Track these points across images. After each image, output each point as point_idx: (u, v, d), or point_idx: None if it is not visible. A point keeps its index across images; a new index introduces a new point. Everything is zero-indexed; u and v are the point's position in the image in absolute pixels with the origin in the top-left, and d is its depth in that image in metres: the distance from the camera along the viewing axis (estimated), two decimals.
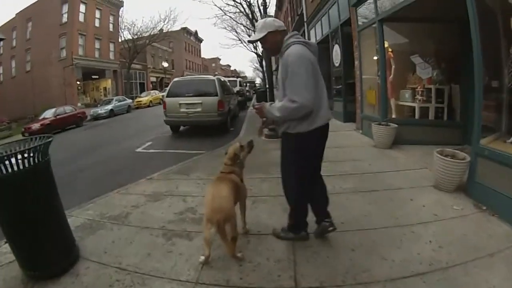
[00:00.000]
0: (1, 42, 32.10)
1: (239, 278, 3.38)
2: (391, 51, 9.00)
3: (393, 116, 9.01)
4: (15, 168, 3.19)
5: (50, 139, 3.64)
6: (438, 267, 3.33)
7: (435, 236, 3.92)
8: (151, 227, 4.67)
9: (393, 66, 9.02)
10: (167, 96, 13.68)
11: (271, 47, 3.65)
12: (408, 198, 5.06)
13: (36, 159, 3.37)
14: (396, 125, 8.20)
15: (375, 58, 9.61)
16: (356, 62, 10.82)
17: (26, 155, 3.28)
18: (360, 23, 10.39)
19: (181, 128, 14.99)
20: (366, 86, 10.41)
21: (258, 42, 3.75)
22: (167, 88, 14.37)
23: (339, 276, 3.31)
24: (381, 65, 8.81)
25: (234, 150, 4.13)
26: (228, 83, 17.31)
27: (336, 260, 3.59)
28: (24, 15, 41.49)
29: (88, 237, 4.50)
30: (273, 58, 14.11)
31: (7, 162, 3.13)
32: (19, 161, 3.22)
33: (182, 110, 13.07)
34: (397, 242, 3.87)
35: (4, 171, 3.13)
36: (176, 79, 14.70)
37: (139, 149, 11.70)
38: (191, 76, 17.02)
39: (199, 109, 12.88)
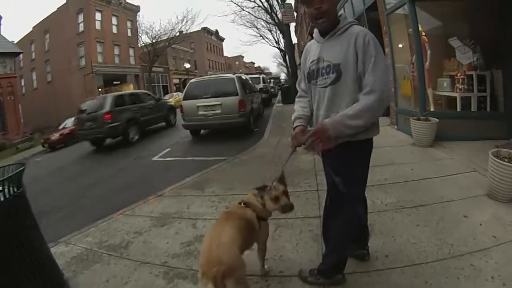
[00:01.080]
0: (21, 56, 32.47)
1: None
2: (425, 35, 7.99)
3: (431, 108, 8.02)
4: None
5: (21, 168, 3.22)
6: None
7: (497, 269, 3.08)
8: (152, 263, 3.88)
9: (428, 52, 8.00)
10: (183, 99, 12.91)
11: (328, 11, 2.55)
12: (462, 214, 4.13)
13: (6, 193, 2.96)
14: (437, 120, 7.22)
15: (401, 45, 8.93)
16: (387, 50, 9.66)
17: None
18: (388, 6, 9.32)
19: (202, 131, 14.22)
20: (400, 76, 9.39)
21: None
22: (184, 90, 13.57)
23: None
24: (417, 50, 7.79)
25: (261, 187, 3.01)
26: (250, 81, 16.45)
27: None
28: (41, 28, 42.10)
29: (82, 272, 3.86)
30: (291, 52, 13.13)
31: None
32: None
33: (200, 112, 12.30)
34: (454, 281, 3.00)
35: None
36: (192, 80, 13.88)
37: (156, 157, 11.01)
38: (208, 76, 16.21)
39: (218, 111, 12.06)
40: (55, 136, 21.01)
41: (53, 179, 10.75)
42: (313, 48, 2.81)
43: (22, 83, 41.57)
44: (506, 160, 4.31)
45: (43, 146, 21.06)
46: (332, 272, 3.02)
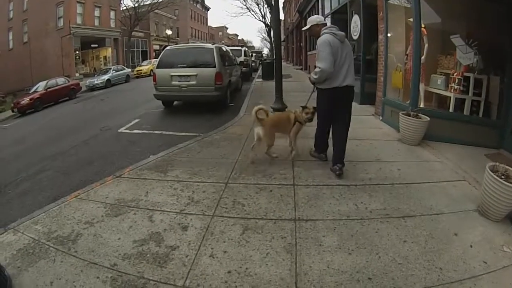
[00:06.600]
0: None
1: None
2: (424, 27, 7.40)
3: (421, 104, 7.52)
4: None
5: None
6: None
7: None
8: (100, 264, 3.33)
9: (425, 45, 7.49)
10: (157, 67, 12.05)
11: (314, 34, 5.39)
12: (452, 232, 3.75)
13: None
14: (428, 118, 6.76)
15: (395, 35, 8.48)
16: (381, 36, 9.07)
17: None
18: None
19: (175, 102, 13.48)
20: (392, 66, 8.83)
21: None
22: (158, 58, 12.69)
23: None
24: (416, 42, 7.25)
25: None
26: (230, 53, 15.69)
27: None
28: None
29: (27, 269, 3.34)
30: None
31: None
32: None
33: (174, 83, 11.45)
34: None
35: None
36: (168, 47, 13.00)
37: (122, 129, 10.35)
38: (186, 44, 15.39)
39: (193, 82, 11.26)
40: (24, 100, 20.20)
41: (14, 149, 10.12)
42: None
43: None
44: (503, 177, 3.87)
45: (13, 111, 20.28)
46: (316, 147, 5.98)
